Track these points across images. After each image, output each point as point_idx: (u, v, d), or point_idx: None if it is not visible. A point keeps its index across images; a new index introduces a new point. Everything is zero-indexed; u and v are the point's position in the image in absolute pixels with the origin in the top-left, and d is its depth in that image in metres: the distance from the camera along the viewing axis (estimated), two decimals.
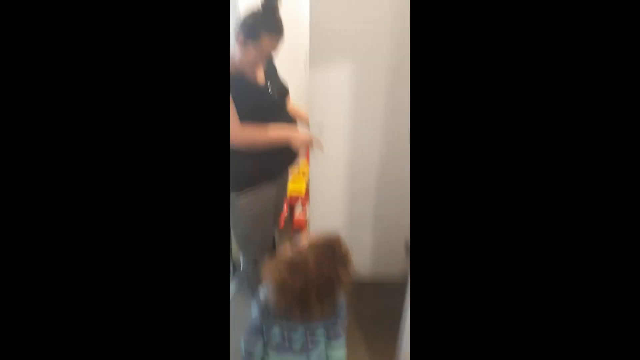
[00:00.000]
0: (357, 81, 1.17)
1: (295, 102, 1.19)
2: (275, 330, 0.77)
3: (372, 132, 1.25)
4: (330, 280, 0.70)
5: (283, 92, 1.07)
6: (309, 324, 0.76)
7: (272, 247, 1.25)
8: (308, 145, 1.07)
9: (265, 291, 0.76)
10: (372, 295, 1.43)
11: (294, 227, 1.82)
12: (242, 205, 1.02)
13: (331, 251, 0.71)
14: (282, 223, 1.73)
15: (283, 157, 1.05)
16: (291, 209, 1.88)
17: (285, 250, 0.73)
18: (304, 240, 0.73)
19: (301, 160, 1.78)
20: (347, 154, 1.30)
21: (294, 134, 1.02)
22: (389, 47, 1.10)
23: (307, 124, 1.22)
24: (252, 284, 1.21)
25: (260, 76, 1.03)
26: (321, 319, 0.75)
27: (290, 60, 1.16)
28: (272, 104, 1.03)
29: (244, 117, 0.93)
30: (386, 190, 1.33)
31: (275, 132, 0.99)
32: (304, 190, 2.00)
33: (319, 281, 0.68)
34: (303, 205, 1.92)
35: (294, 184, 1.85)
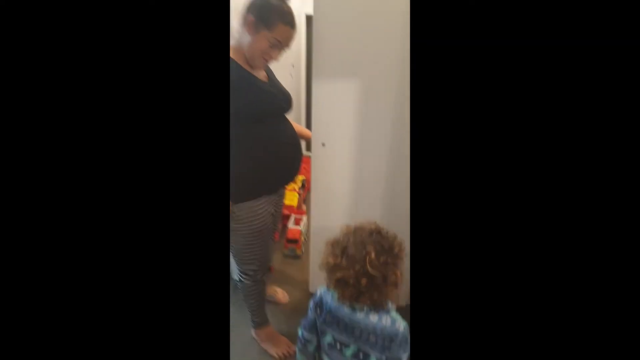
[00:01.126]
0: (362, 96, 1.15)
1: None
2: (328, 337, 0.78)
3: (377, 148, 1.23)
4: (384, 277, 0.71)
5: (287, 99, 1.03)
6: (360, 331, 0.75)
7: (269, 260, 1.24)
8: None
9: (321, 288, 0.81)
10: None
11: (288, 238, 1.81)
12: (241, 218, 1.01)
13: (386, 245, 0.72)
14: (277, 236, 1.72)
15: (283, 172, 1.05)
16: (284, 223, 1.89)
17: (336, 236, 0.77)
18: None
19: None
20: (350, 169, 1.27)
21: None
22: (395, 61, 1.08)
23: (308, 142, 1.23)
24: (249, 296, 1.19)
25: (264, 75, 0.99)
26: (370, 305, 0.74)
27: (278, 74, 1.18)
28: (278, 106, 0.98)
29: (246, 115, 0.88)
30: (390, 205, 1.32)
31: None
32: (296, 204, 2.04)
33: (371, 275, 0.69)
34: (296, 218, 1.94)
35: (287, 199, 1.89)
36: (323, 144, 1.22)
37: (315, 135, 1.21)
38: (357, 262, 0.70)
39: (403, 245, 0.74)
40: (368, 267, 0.69)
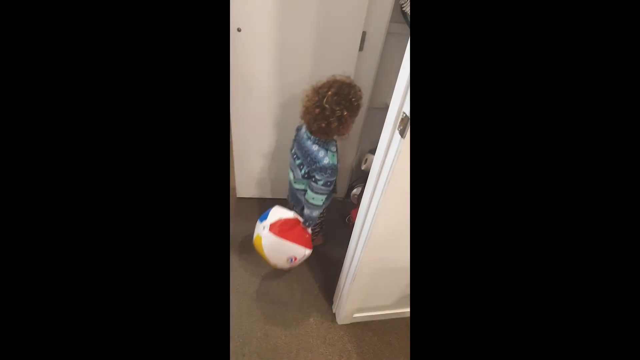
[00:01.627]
0: None
1: None
2: (293, 150, 1.23)
3: (299, 32, 1.20)
4: (333, 112, 1.00)
5: None
6: (305, 152, 1.14)
7: None
8: None
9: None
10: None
11: None
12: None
13: (346, 91, 1.01)
14: None
15: None
16: None
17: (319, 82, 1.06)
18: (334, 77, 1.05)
19: None
20: (270, 55, 1.25)
21: None
22: None
23: None
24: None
25: None
26: (314, 134, 1.10)
27: None
28: None
29: None
30: None
31: None
32: None
33: (323, 106, 1.00)
34: None
35: None
36: (239, 29, 1.18)
37: (232, 20, 1.15)
38: (319, 95, 1.02)
39: (361, 100, 1.05)
40: (323, 100, 1.00)
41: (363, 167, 1.66)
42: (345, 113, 1.01)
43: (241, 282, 1.39)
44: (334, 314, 1.33)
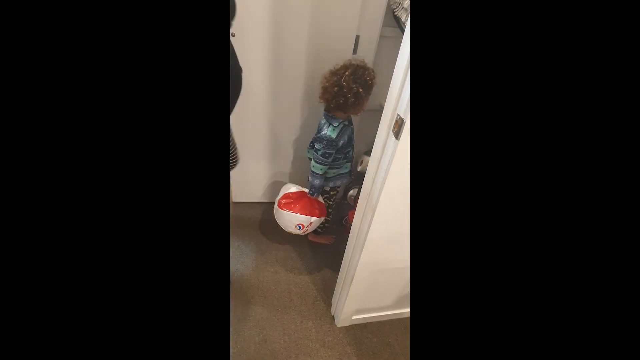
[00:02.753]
0: None
1: None
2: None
3: (293, 38, 1.22)
4: (350, 90, 1.12)
5: None
6: (318, 124, 1.30)
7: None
8: None
9: None
10: None
11: None
12: None
13: (361, 72, 1.13)
14: None
15: None
16: None
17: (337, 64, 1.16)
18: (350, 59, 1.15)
19: None
20: (265, 60, 1.27)
21: None
22: None
23: None
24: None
25: None
26: (331, 111, 1.22)
27: None
28: None
29: None
30: (312, 96, 1.35)
31: None
32: None
33: (341, 84, 1.12)
34: None
35: None
36: (233, 35, 1.18)
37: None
38: (337, 76, 1.14)
39: (374, 79, 1.16)
40: (341, 80, 1.12)
41: (359, 168, 1.67)
42: (361, 90, 1.14)
43: (238, 287, 1.38)
44: (333, 317, 1.32)
